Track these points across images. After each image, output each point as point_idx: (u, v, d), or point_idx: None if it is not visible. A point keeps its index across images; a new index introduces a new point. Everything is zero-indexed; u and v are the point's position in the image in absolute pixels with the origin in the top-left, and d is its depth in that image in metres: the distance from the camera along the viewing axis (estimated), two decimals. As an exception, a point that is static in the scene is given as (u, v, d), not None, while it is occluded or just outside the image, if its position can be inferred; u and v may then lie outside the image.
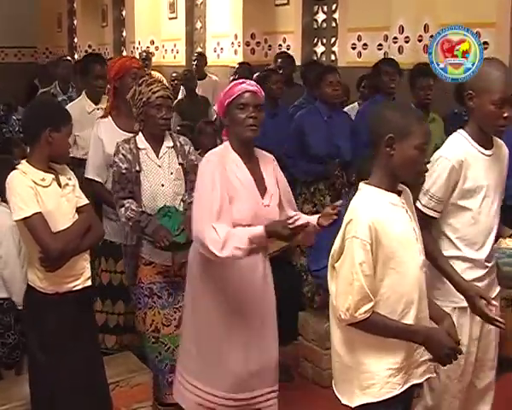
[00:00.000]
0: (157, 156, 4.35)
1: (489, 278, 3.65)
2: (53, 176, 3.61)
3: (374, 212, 2.89)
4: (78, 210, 3.70)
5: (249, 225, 3.58)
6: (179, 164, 4.40)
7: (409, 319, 2.93)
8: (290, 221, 3.57)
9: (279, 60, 8.53)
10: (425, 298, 3.04)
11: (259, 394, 3.83)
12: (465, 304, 3.51)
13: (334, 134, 5.94)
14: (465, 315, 3.55)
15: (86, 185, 4.93)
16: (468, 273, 3.54)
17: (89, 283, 3.76)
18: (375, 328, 2.91)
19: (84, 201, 3.77)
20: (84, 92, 5.63)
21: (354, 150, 6.04)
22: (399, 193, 3.02)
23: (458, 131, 3.62)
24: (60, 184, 3.63)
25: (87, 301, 3.85)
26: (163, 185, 4.31)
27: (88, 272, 3.76)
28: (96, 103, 5.51)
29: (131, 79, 4.75)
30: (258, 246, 3.59)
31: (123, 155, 4.28)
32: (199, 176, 3.73)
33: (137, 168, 4.28)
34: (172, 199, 4.33)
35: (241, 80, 3.83)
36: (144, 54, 11.79)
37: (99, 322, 4.86)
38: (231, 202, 3.62)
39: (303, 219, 3.84)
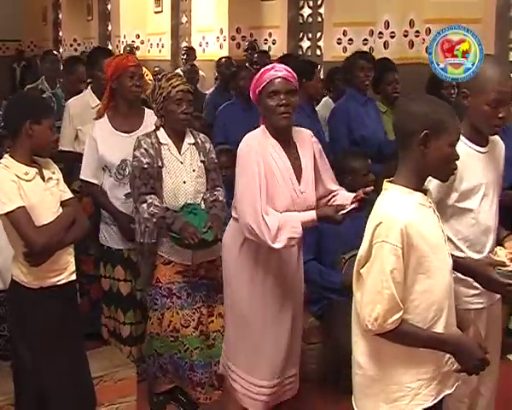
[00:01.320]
0: (179, 152, 4.26)
1: None
2: (36, 170, 3.57)
3: (405, 214, 2.67)
4: (63, 204, 3.66)
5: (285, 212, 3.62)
6: (201, 161, 4.32)
7: (439, 327, 2.75)
8: (335, 203, 3.72)
9: (255, 55, 8.59)
10: (453, 304, 2.87)
11: (287, 375, 3.94)
12: (468, 306, 3.44)
13: (317, 129, 5.95)
14: (469, 318, 3.43)
15: (82, 186, 4.93)
16: None
17: (73, 277, 3.73)
18: (404, 338, 2.71)
19: (69, 194, 3.73)
20: (89, 87, 5.55)
21: (334, 145, 6.05)
22: (425, 192, 2.82)
23: None
24: (43, 178, 3.59)
25: (72, 296, 3.81)
26: (185, 182, 4.21)
27: (72, 267, 3.72)
28: (101, 99, 5.28)
29: (129, 79, 4.62)
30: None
31: (145, 149, 4.18)
32: (241, 163, 3.67)
33: (159, 164, 4.18)
34: (194, 197, 4.24)
35: (270, 66, 3.75)
36: (128, 48, 11.76)
37: (110, 328, 4.86)
38: (270, 189, 3.60)
39: (342, 195, 3.85)
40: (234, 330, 3.93)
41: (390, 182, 2.82)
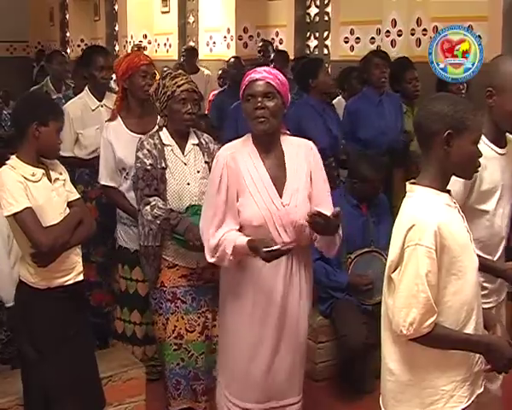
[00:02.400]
0: (183, 153, 4.16)
1: (500, 280, 3.54)
2: (43, 171, 3.58)
3: (437, 215, 2.65)
4: (69, 205, 3.67)
5: (262, 226, 3.41)
6: (205, 162, 4.20)
7: (469, 327, 2.74)
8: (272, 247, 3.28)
9: (272, 56, 8.56)
10: (481, 303, 2.86)
11: (279, 405, 3.67)
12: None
13: (330, 126, 5.97)
14: (494, 316, 3.39)
15: (102, 191, 4.87)
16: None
17: (80, 277, 3.72)
18: (438, 341, 2.69)
19: (75, 195, 3.74)
20: (86, 88, 5.39)
21: (347, 145, 6.08)
22: (449, 193, 2.81)
23: None
24: (50, 179, 3.60)
25: (79, 296, 3.82)
26: (189, 184, 4.11)
27: (80, 267, 3.72)
28: (100, 100, 5.29)
29: (142, 78, 4.54)
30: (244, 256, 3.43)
31: (148, 150, 4.10)
32: (210, 173, 3.63)
33: (163, 165, 4.10)
34: (198, 199, 4.09)
35: (253, 69, 3.56)
36: (136, 48, 11.74)
37: (119, 330, 4.81)
38: (240, 201, 3.45)
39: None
40: (223, 349, 3.78)
41: (413, 184, 2.79)
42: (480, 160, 3.19)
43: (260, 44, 9.56)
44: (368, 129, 5.96)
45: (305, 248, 3.64)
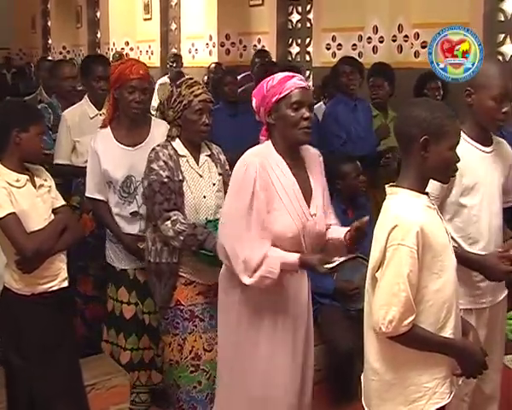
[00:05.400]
0: (197, 165, 3.98)
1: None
2: (27, 177, 3.58)
3: (419, 216, 2.71)
4: (54, 211, 3.67)
5: (295, 238, 3.24)
6: (219, 174, 4.03)
7: (449, 325, 2.78)
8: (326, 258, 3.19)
9: (266, 59, 8.54)
10: (458, 303, 2.90)
11: None
12: (470, 306, 3.46)
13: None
14: (471, 317, 3.43)
15: (88, 204, 4.65)
16: (473, 271, 3.46)
17: (65, 284, 3.71)
18: (415, 341, 2.73)
19: (61, 202, 3.73)
20: (86, 96, 5.25)
21: (326, 147, 6.09)
22: (427, 194, 2.87)
23: None
24: (35, 185, 3.60)
25: (64, 303, 3.79)
26: (205, 197, 3.93)
27: (64, 273, 3.71)
28: (99, 108, 5.10)
29: (129, 94, 4.23)
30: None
31: (164, 161, 3.87)
32: (235, 183, 3.27)
33: (180, 177, 3.89)
34: (214, 212, 3.92)
35: (290, 74, 3.32)
36: (117, 55, 11.71)
37: (106, 352, 4.61)
38: (272, 212, 3.21)
39: (335, 230, 3.48)
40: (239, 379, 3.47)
41: (394, 186, 2.84)
42: (462, 155, 3.23)
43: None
44: (348, 131, 6.01)
45: None
